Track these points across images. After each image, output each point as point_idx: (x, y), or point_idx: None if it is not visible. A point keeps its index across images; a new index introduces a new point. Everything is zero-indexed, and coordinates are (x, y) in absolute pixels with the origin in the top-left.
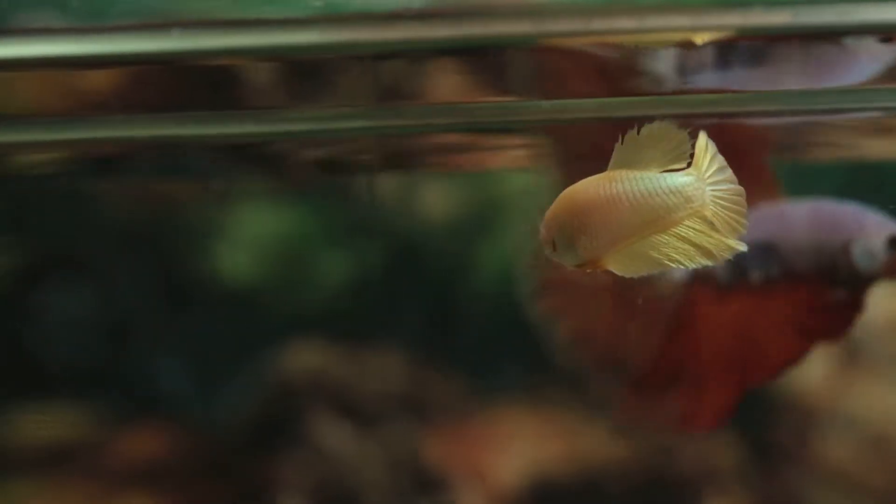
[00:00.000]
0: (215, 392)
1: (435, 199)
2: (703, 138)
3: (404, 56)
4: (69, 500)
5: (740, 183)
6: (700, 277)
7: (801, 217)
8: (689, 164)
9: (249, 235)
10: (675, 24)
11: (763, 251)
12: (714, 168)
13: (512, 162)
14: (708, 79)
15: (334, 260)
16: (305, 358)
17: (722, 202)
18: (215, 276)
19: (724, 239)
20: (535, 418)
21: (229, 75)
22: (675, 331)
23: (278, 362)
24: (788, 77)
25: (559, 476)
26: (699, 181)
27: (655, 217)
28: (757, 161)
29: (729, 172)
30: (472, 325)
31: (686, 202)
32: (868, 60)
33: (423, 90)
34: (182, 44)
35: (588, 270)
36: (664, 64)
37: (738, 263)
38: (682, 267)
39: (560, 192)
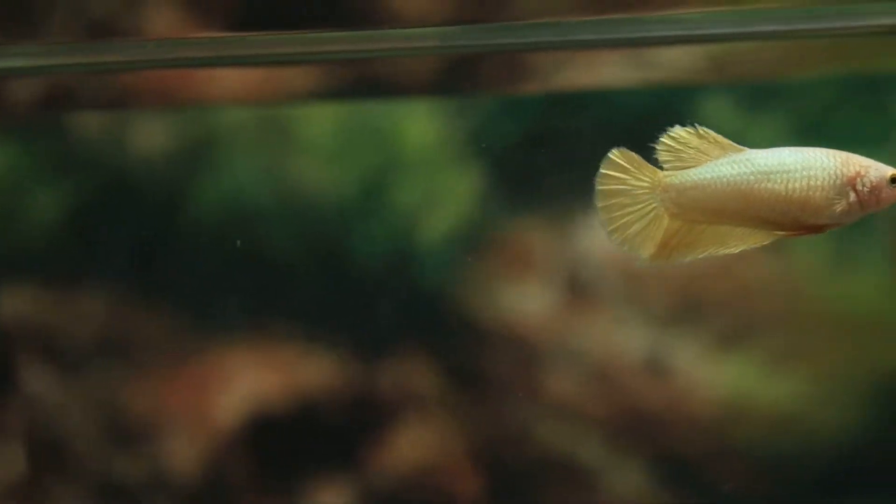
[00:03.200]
0: None
1: (150, 134)
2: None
3: None
4: None
5: None
6: None
7: None
8: None
9: None
10: None
11: None
12: None
13: (226, 96)
14: None
15: (46, 198)
16: (15, 299)
17: None
18: None
19: None
20: (255, 354)
21: None
22: None
23: None
24: None
25: (277, 408)
26: None
27: None
28: None
29: None
30: (190, 262)
31: None
32: None
33: (138, 26)
34: None
35: None
36: None
37: None
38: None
39: None
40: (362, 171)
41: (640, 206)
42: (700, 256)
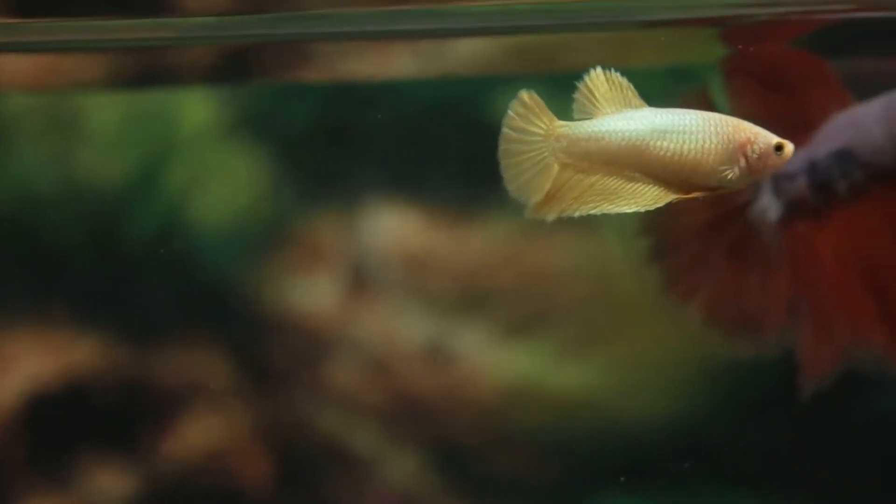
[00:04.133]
0: None
1: None
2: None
3: None
4: None
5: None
6: (790, 207)
7: (874, 115)
8: None
9: None
10: None
11: (840, 158)
12: None
13: (10, 83)
14: None
15: None
16: None
17: None
18: None
19: None
20: (34, 337)
21: None
22: (791, 266)
23: None
24: None
25: (53, 392)
26: None
27: None
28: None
29: None
30: None
31: None
32: None
33: None
34: None
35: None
36: None
37: (819, 179)
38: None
39: None
40: (143, 159)
41: (532, 154)
42: (589, 212)
